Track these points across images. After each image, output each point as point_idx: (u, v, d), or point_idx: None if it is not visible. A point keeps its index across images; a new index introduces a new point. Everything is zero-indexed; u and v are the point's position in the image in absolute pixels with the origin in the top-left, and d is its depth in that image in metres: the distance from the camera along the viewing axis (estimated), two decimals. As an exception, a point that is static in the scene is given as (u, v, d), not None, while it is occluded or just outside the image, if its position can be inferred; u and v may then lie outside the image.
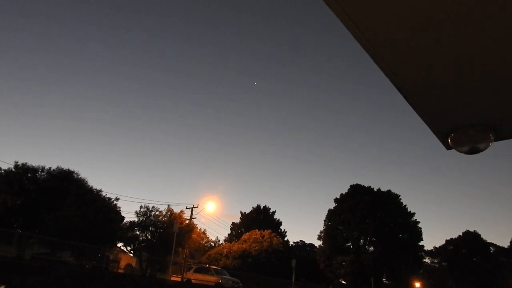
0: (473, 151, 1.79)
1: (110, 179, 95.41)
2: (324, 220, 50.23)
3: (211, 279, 27.13)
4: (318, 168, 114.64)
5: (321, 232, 50.26)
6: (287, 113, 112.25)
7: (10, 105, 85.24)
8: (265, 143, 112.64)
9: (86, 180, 28.72)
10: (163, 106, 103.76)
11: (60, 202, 24.89)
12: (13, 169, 26.06)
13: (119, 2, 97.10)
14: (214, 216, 67.15)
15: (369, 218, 45.23)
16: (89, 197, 26.69)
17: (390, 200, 47.73)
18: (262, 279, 33.82)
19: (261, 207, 58.91)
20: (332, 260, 45.43)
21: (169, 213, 31.84)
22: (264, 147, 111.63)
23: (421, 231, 47.60)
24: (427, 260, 60.50)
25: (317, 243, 53.62)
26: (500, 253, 58.02)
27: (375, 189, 49.17)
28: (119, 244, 31.04)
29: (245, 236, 45.34)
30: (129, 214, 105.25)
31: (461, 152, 1.83)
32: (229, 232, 58.47)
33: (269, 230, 45.81)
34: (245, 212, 59.12)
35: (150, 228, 30.44)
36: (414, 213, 48.12)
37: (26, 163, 26.61)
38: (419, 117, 1.73)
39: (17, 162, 26.42)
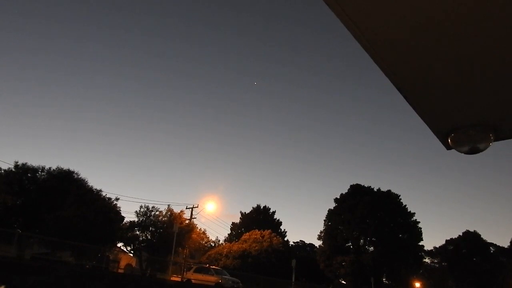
0: (473, 151, 1.79)
1: (110, 179, 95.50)
2: (324, 220, 50.29)
3: (211, 279, 27.13)
4: (318, 168, 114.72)
5: (321, 232, 50.30)
6: (287, 113, 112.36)
7: (10, 105, 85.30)
8: (265, 143, 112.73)
9: (86, 180, 28.77)
10: (163, 106, 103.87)
11: (60, 202, 24.89)
12: (13, 169, 26.08)
13: (119, 2, 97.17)
14: (214, 216, 67.23)
15: (369, 218, 45.23)
16: (89, 197, 26.69)
17: (390, 200, 47.74)
18: (262, 279, 33.81)
19: (261, 207, 58.93)
20: (332, 260, 45.43)
21: (169, 213, 31.85)
22: (264, 147, 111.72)
23: (421, 231, 47.62)
24: (427, 260, 60.59)
25: (317, 243, 53.70)
26: (500, 253, 58.02)
27: (375, 189, 49.18)
28: (119, 244, 31.08)
29: (245, 236, 45.34)
30: (129, 214, 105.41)
31: (461, 152, 1.83)
32: (229, 232, 58.56)
33: (269, 230, 45.81)
34: (245, 212, 59.18)
35: (150, 228, 30.44)
36: (414, 213, 48.18)
37: (26, 163, 26.65)
38: (419, 117, 1.73)
39: (17, 162, 26.47)
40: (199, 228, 35.23)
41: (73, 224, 23.34)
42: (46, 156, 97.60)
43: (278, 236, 45.78)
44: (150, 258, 29.40)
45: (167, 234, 29.58)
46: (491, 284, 52.73)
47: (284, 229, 57.89)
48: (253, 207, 59.46)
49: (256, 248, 41.74)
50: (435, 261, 63.48)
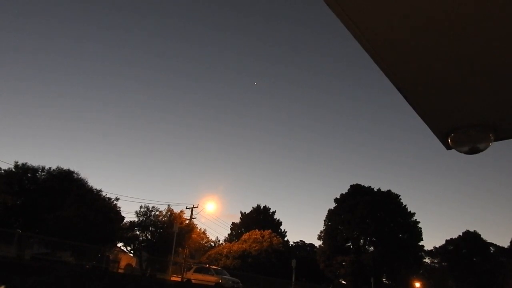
0: (473, 151, 1.79)
1: (110, 179, 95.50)
2: (324, 220, 50.30)
3: (211, 279, 27.13)
4: (318, 168, 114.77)
5: (321, 232, 50.31)
6: (287, 113, 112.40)
7: (10, 105, 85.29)
8: (265, 143, 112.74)
9: (86, 180, 28.73)
10: (163, 106, 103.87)
11: (60, 202, 24.88)
12: (13, 169, 26.05)
13: (119, 2, 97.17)
14: (214, 216, 67.24)
15: (369, 218, 45.22)
16: (89, 197, 26.68)
17: (390, 200, 47.74)
18: (262, 279, 33.81)
19: (261, 207, 58.92)
20: (332, 260, 45.43)
21: (169, 213, 31.84)
22: (264, 147, 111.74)
23: (421, 231, 47.63)
24: (427, 260, 60.61)
25: (317, 243, 53.70)
26: (500, 253, 58.01)
27: (375, 189, 49.19)
28: (119, 244, 31.07)
29: (245, 236, 45.34)
30: (129, 214, 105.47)
31: (461, 152, 1.83)
32: (229, 232, 58.55)
33: (269, 230, 45.81)
34: (245, 212, 59.18)
35: (150, 228, 30.43)
36: (414, 213, 48.20)
37: (26, 163, 26.62)
38: (419, 117, 1.73)
39: (17, 162, 26.43)
40: (199, 228, 35.27)
41: (73, 224, 23.33)
42: (46, 156, 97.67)
43: (278, 236, 45.78)
44: (150, 258, 29.40)
45: (167, 234, 29.58)
46: (491, 284, 52.74)
47: (284, 229, 57.98)
48: (253, 207, 59.54)
49: (256, 248, 41.74)
50: (435, 261, 63.50)
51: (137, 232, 30.38)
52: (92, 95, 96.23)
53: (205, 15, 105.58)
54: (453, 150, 1.88)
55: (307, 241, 76.94)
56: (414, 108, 1.66)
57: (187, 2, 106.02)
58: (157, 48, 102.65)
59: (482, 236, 58.55)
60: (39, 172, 27.00)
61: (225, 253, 42.67)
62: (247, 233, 46.02)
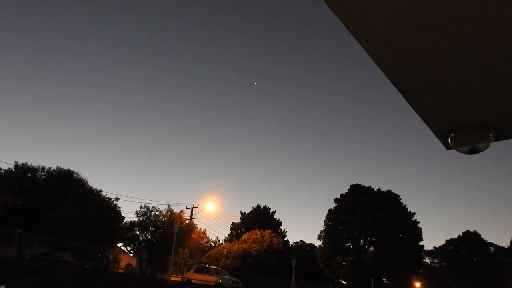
0: (473, 151, 1.79)
1: (110, 179, 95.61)
2: (324, 220, 50.29)
3: (211, 279, 27.12)
4: (318, 168, 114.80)
5: (321, 232, 50.30)
6: (287, 113, 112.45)
7: (10, 105, 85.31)
8: (265, 143, 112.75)
9: (86, 180, 28.75)
10: (163, 106, 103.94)
11: (60, 202, 24.88)
12: (13, 169, 26.06)
13: (119, 2, 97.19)
14: (214, 216, 67.21)
15: (369, 218, 45.22)
16: (89, 197, 26.68)
17: (390, 200, 47.73)
18: (262, 279, 33.81)
19: (261, 207, 58.91)
20: (332, 260, 45.42)
21: (169, 213, 31.84)
22: (264, 147, 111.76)
23: (421, 231, 47.61)
24: (427, 260, 60.60)
25: (317, 243, 53.70)
26: (500, 253, 58.01)
27: (375, 189, 49.18)
28: (119, 244, 31.06)
29: (245, 236, 45.33)
30: (129, 214, 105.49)
31: (461, 152, 1.83)
32: (229, 232, 58.54)
33: (269, 230, 45.80)
34: (245, 212, 59.16)
35: (150, 228, 30.42)
36: (414, 213, 48.18)
37: (26, 163, 26.63)
38: (419, 117, 1.73)
39: (17, 162, 26.44)
40: (199, 228, 35.26)
41: (73, 224, 23.33)
42: (46, 156, 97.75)
43: (278, 236, 45.77)
44: (150, 258, 29.39)
45: (167, 234, 29.58)
46: (491, 284, 52.73)
47: (284, 229, 57.94)
48: (253, 207, 59.52)
49: (256, 248, 41.73)
50: (435, 261, 63.50)
51: (137, 232, 30.37)
52: (92, 95, 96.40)
53: (205, 15, 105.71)
54: (453, 150, 1.88)
55: (307, 241, 77.13)
56: (414, 108, 1.66)
57: (187, 2, 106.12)
58: (157, 48, 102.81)
59: (482, 236, 58.65)
60: (39, 172, 27.02)
61: (225, 253, 42.66)
62: (247, 233, 46.00)
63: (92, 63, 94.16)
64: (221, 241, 54.91)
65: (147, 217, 30.58)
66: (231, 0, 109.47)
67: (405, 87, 1.54)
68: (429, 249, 60.06)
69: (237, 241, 46.57)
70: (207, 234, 37.77)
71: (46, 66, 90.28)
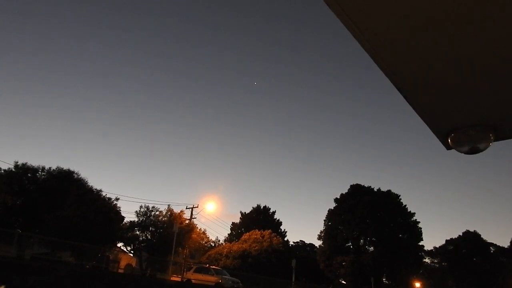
0: (473, 151, 1.79)
1: (110, 179, 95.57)
2: (324, 220, 50.29)
3: (211, 279, 27.12)
4: (318, 168, 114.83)
5: (321, 232, 50.30)
6: (287, 113, 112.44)
7: (10, 105, 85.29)
8: (265, 143, 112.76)
9: (86, 180, 28.76)
10: (163, 106, 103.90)
11: (60, 202, 24.88)
12: (13, 169, 26.07)
13: (119, 2, 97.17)
14: (214, 216, 67.22)
15: (369, 218, 45.22)
16: (89, 197, 26.68)
17: (390, 200, 47.73)
18: (262, 279, 33.81)
19: (261, 207, 58.91)
20: (332, 260, 45.42)
21: (169, 213, 31.84)
22: (264, 147, 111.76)
23: (421, 231, 47.62)
24: (427, 260, 60.59)
25: (317, 243, 53.70)
26: (500, 253, 58.02)
27: (375, 189, 49.18)
28: (119, 244, 31.07)
29: (245, 236, 45.33)
30: (129, 214, 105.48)
31: (461, 152, 1.83)
32: (229, 232, 58.54)
33: (269, 230, 45.80)
34: (245, 212, 59.16)
35: (150, 228, 30.43)
36: (414, 213, 48.19)
37: (26, 163, 26.64)
38: (419, 117, 1.73)
39: (17, 162, 26.46)
40: (199, 228, 35.26)
41: (73, 224, 23.33)
42: (46, 156, 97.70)
43: (278, 236, 45.77)
44: (150, 258, 29.39)
45: (167, 234, 29.58)
46: (491, 284, 52.73)
47: (284, 229, 57.94)
48: (253, 207, 59.52)
49: (256, 248, 41.73)
50: (435, 261, 63.50)
51: (137, 232, 30.38)
52: (92, 95, 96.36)
53: (205, 15, 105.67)
54: (453, 150, 1.88)
55: (307, 241, 77.07)
56: (414, 108, 1.66)
57: (187, 2, 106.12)
58: (157, 48, 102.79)
59: (482, 236, 58.64)
60: (39, 172, 27.03)
61: (225, 253, 42.66)
62: (247, 233, 46.01)
63: (92, 63, 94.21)
64: (221, 241, 54.99)
65: (147, 217, 30.59)
66: (231, 0, 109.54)
67: (405, 87, 1.54)
68: (429, 249, 60.17)
69: (237, 241, 46.57)
70: (207, 234, 37.81)
71: (46, 66, 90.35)
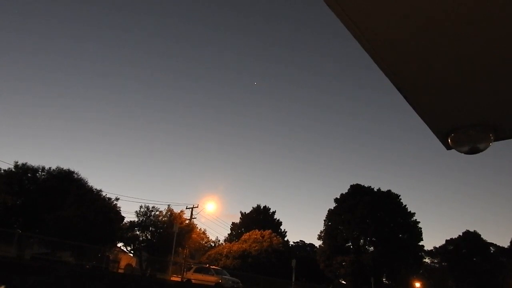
0: (473, 151, 1.79)
1: (110, 179, 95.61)
2: (324, 220, 50.29)
3: (211, 279, 27.12)
4: (318, 168, 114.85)
5: (321, 232, 50.30)
6: (287, 113, 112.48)
7: (10, 105, 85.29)
8: (265, 143, 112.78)
9: (86, 180, 28.79)
10: (163, 106, 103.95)
11: (60, 202, 24.88)
12: (13, 169, 26.07)
13: (119, 2, 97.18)
14: (214, 216, 67.22)
15: (369, 218, 45.22)
16: (89, 197, 26.68)
17: (390, 200, 47.73)
18: (262, 279, 33.81)
19: (261, 207, 58.91)
20: (332, 260, 45.42)
21: (169, 213, 31.85)
22: (264, 147, 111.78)
23: (421, 231, 47.62)
24: (427, 260, 60.60)
25: (317, 243, 53.70)
26: (500, 253, 58.01)
27: (375, 189, 49.18)
28: (119, 244, 31.08)
29: (245, 236, 45.33)
30: (129, 214, 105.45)
31: (461, 152, 1.83)
32: (229, 232, 58.55)
33: (269, 230, 45.80)
34: (245, 212, 59.17)
35: (150, 228, 30.43)
36: (414, 213, 48.19)
37: (26, 163, 26.66)
38: (419, 117, 1.73)
39: (17, 162, 26.48)
40: (199, 228, 35.27)
41: (73, 224, 23.33)
42: (46, 156, 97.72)
43: (278, 236, 45.77)
44: (150, 258, 29.39)
45: (167, 234, 29.58)
46: (491, 284, 52.72)
47: (284, 229, 57.95)
48: (253, 207, 59.52)
49: (256, 248, 41.73)
50: (435, 261, 63.50)
51: (137, 232, 30.38)
52: (92, 95, 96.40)
53: (205, 15, 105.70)
54: (453, 150, 1.88)
55: (307, 241, 77.09)
56: (414, 108, 1.66)
57: (187, 2, 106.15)
58: (157, 48, 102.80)
59: (482, 236, 58.64)
60: (39, 172, 27.04)
61: (225, 253, 42.66)
62: (247, 233, 46.00)
63: (92, 63, 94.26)
64: (221, 241, 54.99)
65: (147, 217, 30.59)
66: (231, 0, 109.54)
67: (405, 87, 1.54)
68: (429, 249, 60.17)
69: (237, 241, 46.57)
70: (207, 234, 37.81)
71: (46, 66, 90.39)
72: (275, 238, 44.19)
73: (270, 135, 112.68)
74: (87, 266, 23.05)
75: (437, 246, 62.71)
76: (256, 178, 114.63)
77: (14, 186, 24.82)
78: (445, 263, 60.55)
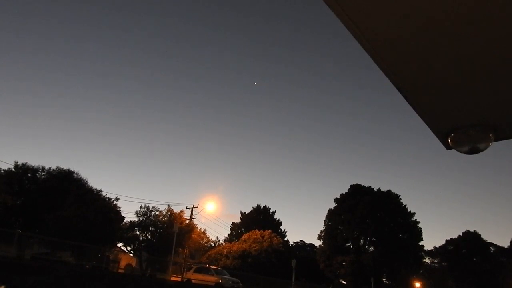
0: (473, 151, 1.79)
1: (110, 179, 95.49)
2: (324, 220, 50.30)
3: (211, 279, 27.12)
4: (318, 168, 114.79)
5: (321, 232, 50.31)
6: (287, 113, 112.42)
7: (10, 105, 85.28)
8: (265, 143, 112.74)
9: (86, 180, 28.79)
10: (163, 106, 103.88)
11: (60, 202, 24.89)
12: (13, 169, 26.07)
13: (119, 2, 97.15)
14: (214, 216, 67.19)
15: (369, 218, 45.22)
16: (89, 197, 26.69)
17: (390, 200, 47.74)
18: (262, 279, 33.81)
19: (261, 207, 58.92)
20: (332, 260, 45.43)
21: (169, 213, 31.85)
22: (264, 147, 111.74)
23: (421, 231, 47.62)
24: (427, 260, 60.60)
25: (317, 243, 53.71)
26: (500, 253, 58.02)
27: (375, 189, 49.18)
28: (119, 244, 31.08)
29: (245, 236, 45.33)
30: (129, 214, 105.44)
31: (461, 152, 1.83)
32: (229, 232, 58.55)
33: (269, 230, 45.80)
34: (245, 212, 59.17)
35: (150, 228, 30.43)
36: (414, 213, 48.19)
37: (26, 163, 26.65)
38: (419, 117, 1.73)
39: (17, 162, 26.47)
40: (199, 228, 35.27)
41: (73, 224, 23.34)
42: (46, 156, 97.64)
43: (278, 236, 45.77)
44: (150, 258, 29.40)
45: (167, 234, 29.58)
46: (491, 284, 52.72)
47: (284, 229, 57.94)
48: (253, 207, 59.52)
49: (256, 248, 41.74)
50: (435, 261, 63.50)
51: (137, 232, 30.38)
52: (92, 95, 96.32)
53: (205, 15, 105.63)
54: (453, 150, 1.88)
55: (307, 241, 77.05)
56: (414, 108, 1.66)
57: (187, 2, 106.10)
58: (157, 48, 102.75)
59: (482, 236, 58.64)
60: (39, 172, 27.04)
61: (225, 253, 42.66)
62: (247, 233, 46.00)
63: (92, 63, 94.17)
64: (221, 241, 54.99)
65: (147, 217, 30.60)
66: (231, 0, 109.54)
67: (405, 87, 1.54)
68: (429, 249, 60.17)
69: (237, 241, 46.57)
70: (207, 234, 37.81)
71: (46, 66, 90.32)
72: (275, 238, 44.19)
73: (270, 135, 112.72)
74: (87, 266, 23.05)
75: (437, 246, 62.81)
76: (256, 178, 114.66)
77: (14, 186, 24.82)
78: (445, 263, 60.56)
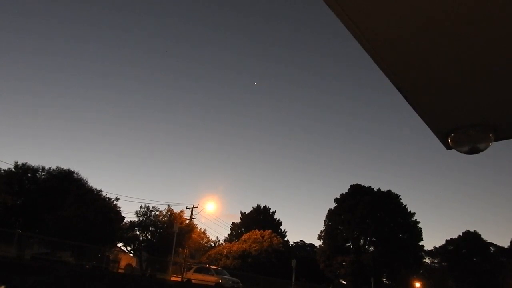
0: (473, 151, 1.79)
1: (110, 179, 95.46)
2: (324, 220, 50.31)
3: (211, 279, 27.13)
4: (318, 168, 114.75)
5: (321, 232, 50.32)
6: (287, 113, 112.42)
7: (10, 105, 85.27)
8: (265, 143, 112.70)
9: (86, 180, 28.79)
10: (163, 106, 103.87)
11: (60, 202, 24.89)
12: (13, 169, 26.07)
13: (119, 2, 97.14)
14: (214, 216, 67.15)
15: (369, 218, 45.23)
16: (89, 197, 26.69)
17: (390, 200, 47.74)
18: (262, 279, 33.81)
19: (261, 207, 58.92)
20: (332, 260, 45.43)
21: (169, 213, 31.85)
22: (264, 147, 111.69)
23: (421, 231, 47.63)
24: (427, 260, 60.60)
25: (317, 243, 53.72)
26: (500, 253, 58.02)
27: (375, 189, 49.19)
28: (119, 244, 31.08)
29: (245, 236, 45.34)
30: (129, 214, 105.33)
31: (461, 152, 1.83)
32: (229, 232, 58.56)
33: (269, 230, 45.80)
34: (245, 212, 59.18)
35: (150, 228, 30.44)
36: (414, 213, 48.20)
37: (26, 163, 26.65)
38: (419, 117, 1.73)
39: (17, 162, 26.46)
40: (199, 228, 35.28)
41: (73, 224, 23.34)
42: (46, 156, 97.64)
43: (278, 236, 45.78)
44: (150, 258, 29.39)
45: (167, 234, 29.58)
46: (491, 284, 52.72)
47: (284, 229, 57.96)
48: (253, 207, 59.54)
49: (256, 248, 41.74)
50: (435, 261, 63.50)
51: (137, 232, 30.39)
52: (92, 95, 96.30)
53: (205, 15, 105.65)
54: (453, 150, 1.88)
55: (307, 241, 76.98)
56: (414, 108, 1.66)
57: (187, 2, 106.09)
58: (157, 48, 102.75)
59: (482, 236, 58.65)
60: (39, 172, 27.03)
61: (225, 253, 42.67)
62: (247, 233, 46.01)
63: (92, 63, 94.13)
64: (221, 241, 55.00)
65: (147, 217, 30.60)
66: (231, 0, 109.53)
67: (405, 87, 1.54)
68: (429, 249, 60.16)
69: (237, 241, 46.58)
70: (207, 234, 37.82)
71: (46, 66, 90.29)
72: (275, 238, 44.20)
73: (270, 135, 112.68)
74: (87, 266, 23.05)
75: (437, 246, 62.81)
76: (256, 178, 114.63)
77: (14, 186, 24.82)
78: (445, 263, 60.56)
